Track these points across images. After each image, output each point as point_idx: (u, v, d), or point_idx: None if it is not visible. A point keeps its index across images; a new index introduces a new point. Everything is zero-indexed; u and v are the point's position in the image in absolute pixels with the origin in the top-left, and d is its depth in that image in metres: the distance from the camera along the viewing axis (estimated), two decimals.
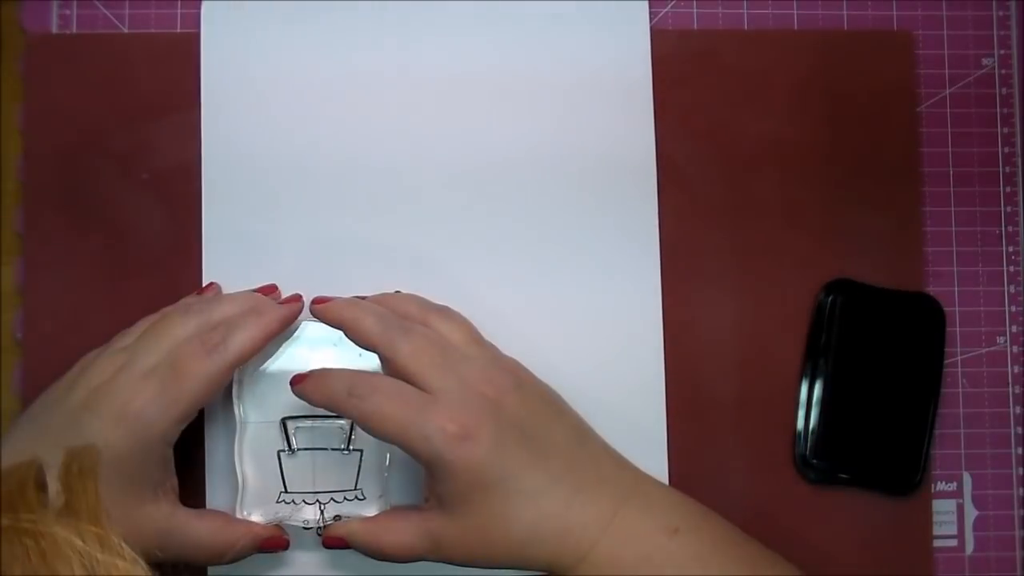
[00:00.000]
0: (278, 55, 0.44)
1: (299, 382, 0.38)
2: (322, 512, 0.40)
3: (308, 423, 0.41)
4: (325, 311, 0.39)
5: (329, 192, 0.44)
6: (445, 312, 0.40)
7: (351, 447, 0.41)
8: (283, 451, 0.41)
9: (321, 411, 0.39)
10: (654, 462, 0.43)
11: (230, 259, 0.43)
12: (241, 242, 0.43)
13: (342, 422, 0.41)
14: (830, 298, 0.44)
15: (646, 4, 0.45)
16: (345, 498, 0.40)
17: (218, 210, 0.43)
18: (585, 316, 0.44)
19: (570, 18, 0.45)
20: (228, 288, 0.43)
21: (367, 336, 0.38)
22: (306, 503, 0.40)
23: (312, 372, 0.38)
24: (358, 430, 0.40)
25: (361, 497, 0.40)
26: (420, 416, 0.35)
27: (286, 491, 0.40)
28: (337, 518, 0.40)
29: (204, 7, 0.44)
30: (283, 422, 0.41)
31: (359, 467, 0.41)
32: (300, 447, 0.41)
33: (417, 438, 0.35)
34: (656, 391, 0.43)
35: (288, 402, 0.39)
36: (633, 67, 0.45)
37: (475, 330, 0.40)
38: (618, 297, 0.44)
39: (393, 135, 0.44)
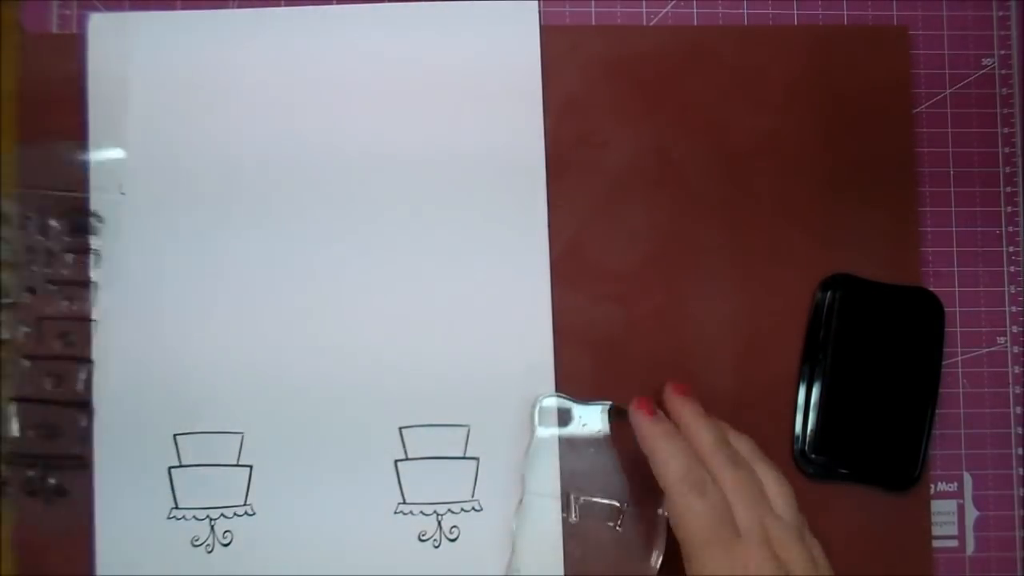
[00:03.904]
0: (164, 66, 0.44)
1: (649, 413, 0.39)
2: None
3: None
4: (641, 427, 0.40)
5: (217, 194, 0.44)
6: (776, 473, 0.40)
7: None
8: None
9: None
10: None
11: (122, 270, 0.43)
12: (133, 247, 0.44)
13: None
14: (828, 293, 0.44)
15: (536, 4, 0.45)
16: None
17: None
18: (475, 312, 0.44)
19: (461, 19, 0.45)
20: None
21: (661, 477, 0.38)
22: None
23: (663, 419, 0.39)
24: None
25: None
26: (725, 545, 0.36)
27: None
28: None
29: (91, 19, 0.44)
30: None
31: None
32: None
33: (710, 558, 0.35)
34: (546, 381, 0.44)
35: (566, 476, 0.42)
36: (523, 65, 0.45)
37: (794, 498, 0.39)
38: (508, 293, 0.44)
39: (281, 138, 0.44)
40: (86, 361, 0.42)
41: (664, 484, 0.38)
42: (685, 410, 0.40)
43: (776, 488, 0.38)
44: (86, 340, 0.42)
